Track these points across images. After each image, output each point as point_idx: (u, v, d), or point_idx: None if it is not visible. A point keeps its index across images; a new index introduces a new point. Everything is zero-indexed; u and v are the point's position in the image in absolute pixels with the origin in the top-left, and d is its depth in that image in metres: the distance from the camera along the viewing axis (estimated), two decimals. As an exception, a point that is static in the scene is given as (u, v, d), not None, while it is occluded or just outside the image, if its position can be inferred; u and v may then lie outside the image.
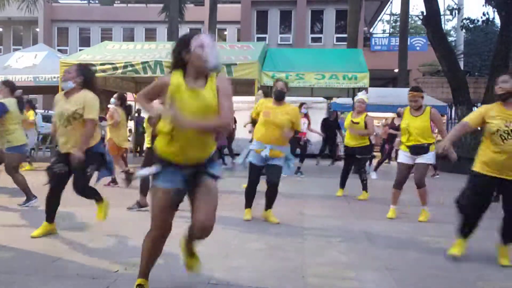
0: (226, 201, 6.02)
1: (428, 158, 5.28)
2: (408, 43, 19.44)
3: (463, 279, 3.27)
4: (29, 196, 5.48)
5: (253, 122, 5.19)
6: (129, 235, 4.24)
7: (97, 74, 9.78)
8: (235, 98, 12.13)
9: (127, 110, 7.86)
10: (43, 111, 17.49)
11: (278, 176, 4.91)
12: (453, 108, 14.79)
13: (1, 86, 5.55)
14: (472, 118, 3.83)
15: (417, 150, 5.24)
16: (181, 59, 2.50)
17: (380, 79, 24.02)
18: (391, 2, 29.99)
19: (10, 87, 5.58)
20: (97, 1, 30.27)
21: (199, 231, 2.58)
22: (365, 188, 6.87)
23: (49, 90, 12.83)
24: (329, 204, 6.33)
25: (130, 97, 13.27)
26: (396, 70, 19.31)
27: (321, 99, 14.71)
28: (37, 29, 26.68)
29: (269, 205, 5.03)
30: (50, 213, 4.14)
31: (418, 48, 22.78)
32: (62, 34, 27.45)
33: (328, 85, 10.01)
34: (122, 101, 7.55)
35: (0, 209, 5.37)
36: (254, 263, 3.50)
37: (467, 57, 23.05)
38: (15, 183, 5.52)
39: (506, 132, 3.59)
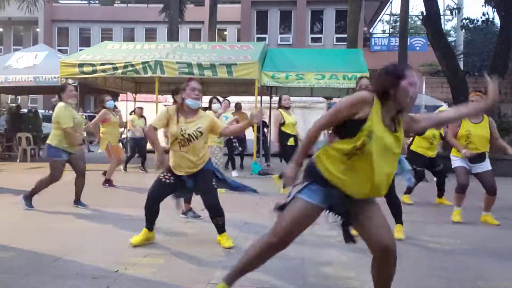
0: (229, 202, 6.00)
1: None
2: (408, 43, 19.37)
3: (463, 279, 3.26)
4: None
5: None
6: (129, 235, 4.23)
7: (97, 74, 9.82)
8: (236, 98, 12.08)
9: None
10: (43, 111, 17.52)
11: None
12: (453, 108, 14.79)
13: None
14: None
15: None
16: (386, 92, 2.22)
17: (380, 79, 24.02)
18: (391, 2, 29.97)
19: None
20: (97, 1, 30.29)
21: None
22: None
23: (49, 90, 12.82)
24: (329, 204, 6.30)
25: (130, 97, 13.28)
26: (396, 70, 19.29)
27: (321, 99, 14.71)
28: (37, 29, 26.68)
29: None
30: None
31: (418, 48, 22.76)
32: (62, 34, 27.44)
33: (328, 85, 10.00)
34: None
35: (0, 209, 5.38)
36: (254, 263, 3.49)
37: (467, 57, 23.06)
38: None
39: None
